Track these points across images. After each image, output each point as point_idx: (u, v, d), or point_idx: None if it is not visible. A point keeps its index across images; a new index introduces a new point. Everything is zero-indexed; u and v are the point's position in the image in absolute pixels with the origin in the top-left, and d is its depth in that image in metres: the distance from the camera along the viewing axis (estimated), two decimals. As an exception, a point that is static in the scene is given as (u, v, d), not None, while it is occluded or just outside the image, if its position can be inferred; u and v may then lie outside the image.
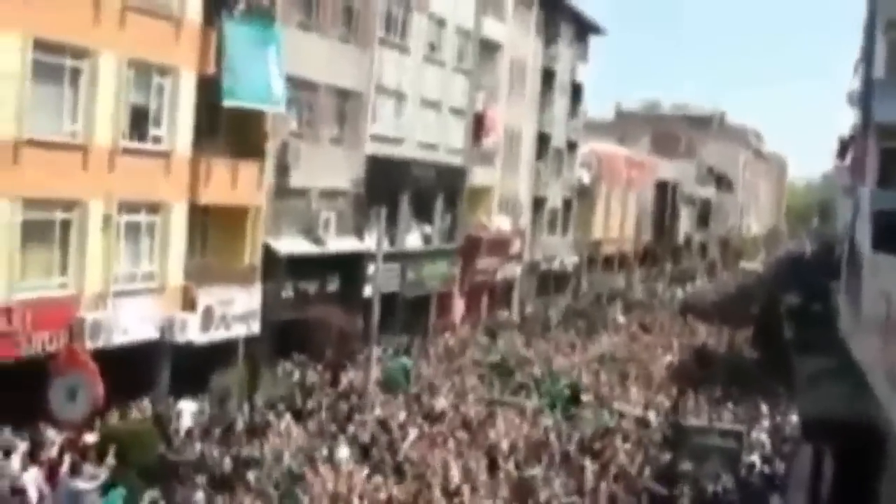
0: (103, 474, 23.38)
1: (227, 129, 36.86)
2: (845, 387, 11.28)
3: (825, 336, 31.69)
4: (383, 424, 32.33)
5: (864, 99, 43.41)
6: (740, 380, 43.91)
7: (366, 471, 27.47)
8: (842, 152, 61.97)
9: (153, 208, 33.38)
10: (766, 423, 37.65)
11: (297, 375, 37.96)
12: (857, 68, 52.66)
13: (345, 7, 43.81)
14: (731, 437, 31.05)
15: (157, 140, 33.23)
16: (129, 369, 29.99)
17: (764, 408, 39.65)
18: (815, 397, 16.24)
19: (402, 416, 33.87)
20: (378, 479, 26.71)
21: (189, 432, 30.42)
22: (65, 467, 24.66)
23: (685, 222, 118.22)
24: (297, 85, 40.29)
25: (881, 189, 34.81)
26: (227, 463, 27.49)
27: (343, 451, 29.24)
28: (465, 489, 25.96)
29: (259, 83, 36.58)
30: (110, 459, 24.45)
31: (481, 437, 31.45)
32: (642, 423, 35.64)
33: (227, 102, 35.31)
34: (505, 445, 30.63)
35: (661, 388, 42.49)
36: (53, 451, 25.69)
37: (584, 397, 38.87)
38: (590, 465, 29.07)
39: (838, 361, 13.68)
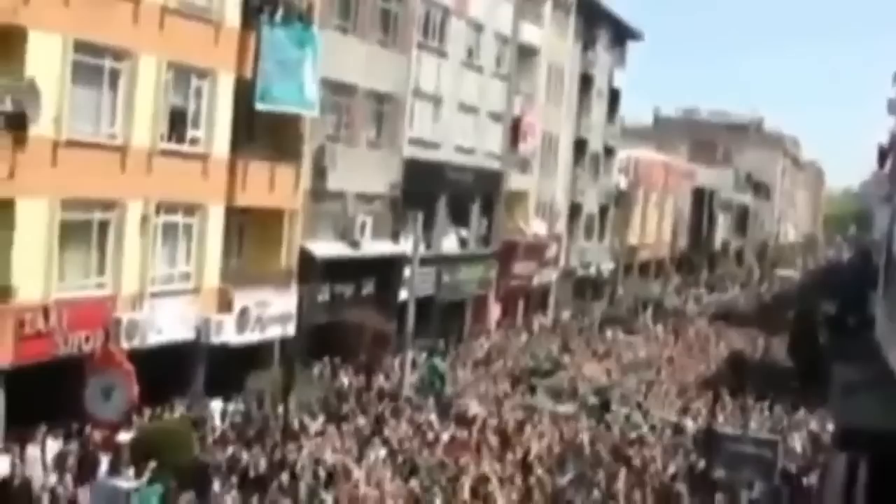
0: (136, 476, 23.50)
1: (264, 131, 36.94)
2: (881, 396, 11.20)
3: (861, 345, 31.51)
4: (417, 428, 32.37)
5: (903, 108, 43.21)
6: (775, 387, 43.78)
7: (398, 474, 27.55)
8: (881, 160, 61.60)
9: (190, 210, 33.50)
10: (802, 431, 37.52)
11: (331, 378, 38.02)
12: (896, 76, 52.34)
13: (383, 11, 43.89)
14: (766, 446, 30.87)
15: (194, 142, 33.37)
16: (164, 370, 30.09)
17: (800, 415, 39.52)
18: (850, 406, 16.14)
19: (435, 420, 33.93)
20: (412, 482, 26.80)
21: (224, 433, 30.53)
22: (103, 466, 24.84)
23: (722, 229, 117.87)
24: (335, 88, 40.41)
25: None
26: (262, 464, 27.56)
27: (377, 454, 29.28)
28: (497, 494, 25.98)
29: (295, 87, 36.66)
30: (151, 463, 24.54)
31: (514, 442, 31.44)
32: (677, 429, 35.60)
33: (261, 106, 35.39)
34: (538, 451, 30.64)
35: (695, 394, 42.40)
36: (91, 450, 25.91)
37: (615, 405, 38.82)
38: (623, 472, 29.06)
39: (874, 370, 13.60)
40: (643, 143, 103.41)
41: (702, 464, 30.80)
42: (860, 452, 15.11)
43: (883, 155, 59.56)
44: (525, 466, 29.12)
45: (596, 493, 27.69)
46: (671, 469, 30.68)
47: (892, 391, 10.88)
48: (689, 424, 36.28)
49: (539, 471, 28.90)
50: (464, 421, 34.25)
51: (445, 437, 31.90)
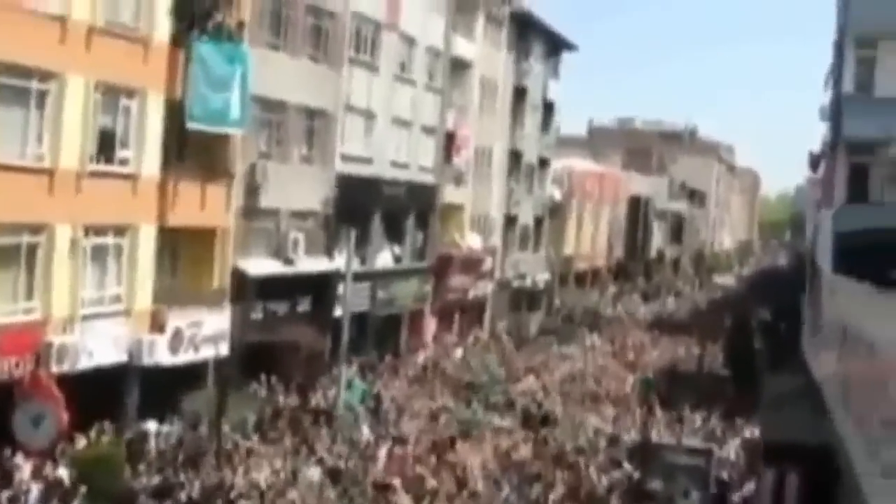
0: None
1: (195, 150, 36.73)
2: (806, 409, 11.28)
3: (791, 354, 31.84)
4: (352, 446, 32.33)
5: (834, 114, 43.58)
6: (711, 396, 44.03)
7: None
8: (813, 166, 62.15)
9: (120, 231, 33.23)
10: (737, 439, 37.73)
11: (266, 397, 37.85)
12: (827, 82, 52.86)
13: (314, 27, 43.77)
14: (700, 455, 31.10)
15: (124, 162, 33.09)
16: (96, 393, 29.86)
17: (735, 423, 39.76)
18: (775, 420, 16.28)
19: (371, 437, 33.92)
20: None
21: (158, 457, 30.30)
22: (34, 494, 24.63)
23: (658, 237, 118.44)
24: (266, 105, 40.35)
25: (848, 206, 34.98)
26: (196, 488, 27.39)
27: (312, 474, 29.20)
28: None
29: (225, 105, 36.55)
30: (82, 489, 24.34)
31: (451, 458, 31.45)
32: (611, 441, 35.75)
33: (191, 125, 35.23)
34: (475, 466, 30.66)
35: (630, 405, 42.59)
36: (25, 476, 25.65)
37: (551, 418, 38.96)
38: (559, 486, 29.18)
39: (800, 382, 13.70)
40: (579, 152, 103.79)
41: (637, 475, 31.00)
42: (785, 466, 15.23)
43: (815, 161, 60.15)
44: (460, 481, 29.12)
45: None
46: (606, 481, 30.80)
47: (815, 404, 10.95)
48: (625, 436, 36.39)
49: (476, 485, 28.95)
50: (400, 438, 34.24)
51: (382, 453, 31.87)
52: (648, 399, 42.35)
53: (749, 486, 31.51)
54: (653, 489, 29.76)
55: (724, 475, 32.15)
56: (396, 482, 28.33)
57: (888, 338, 6.53)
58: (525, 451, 33.12)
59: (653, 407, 40.99)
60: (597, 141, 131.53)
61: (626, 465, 32.20)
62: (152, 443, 31.54)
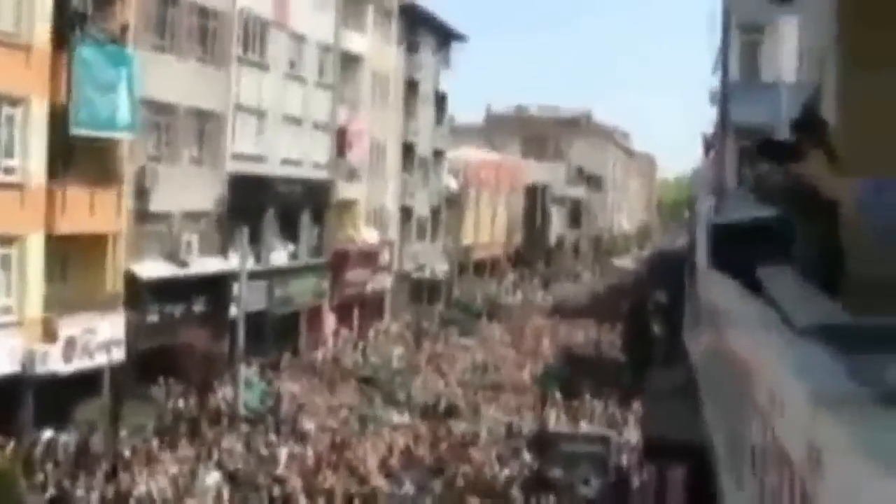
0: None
1: (82, 155, 36.33)
2: (687, 404, 11.42)
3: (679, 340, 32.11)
4: (252, 448, 32.25)
5: (722, 99, 44.07)
6: (609, 382, 44.34)
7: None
8: (707, 148, 62.82)
9: (8, 241, 32.86)
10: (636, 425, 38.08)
11: (163, 401, 37.61)
12: (715, 66, 53.43)
13: (200, 27, 43.51)
14: (599, 442, 31.43)
15: (9, 171, 32.73)
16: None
17: (634, 409, 40.13)
18: (654, 415, 16.50)
19: (271, 437, 33.86)
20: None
21: (55, 468, 29.99)
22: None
23: (557, 223, 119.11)
24: (154, 108, 40.08)
25: (720, 200, 35.40)
26: (94, 498, 27.20)
27: (211, 478, 29.10)
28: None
29: (112, 109, 36.22)
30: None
31: (349, 454, 31.51)
32: (510, 432, 35.98)
33: (76, 131, 34.85)
34: (375, 462, 30.76)
35: (531, 394, 42.84)
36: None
37: (452, 411, 39.13)
38: (460, 476, 29.35)
39: (682, 373, 13.89)
40: (476, 141, 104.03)
41: (537, 464, 31.25)
42: (666, 462, 15.43)
43: (708, 144, 60.83)
44: (361, 479, 29.19)
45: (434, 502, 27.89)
46: (506, 472, 30.97)
47: (693, 399, 11.12)
48: (524, 426, 36.63)
49: (376, 482, 29.04)
50: (300, 436, 34.24)
51: (283, 454, 31.84)
52: (548, 389, 42.61)
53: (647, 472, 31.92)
54: (553, 477, 30.01)
55: (625, 460, 32.48)
56: (296, 482, 28.34)
57: (735, 338, 6.73)
58: (425, 446, 33.21)
59: (551, 396, 41.23)
60: (494, 129, 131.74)
61: (526, 455, 32.42)
62: (48, 453, 31.19)
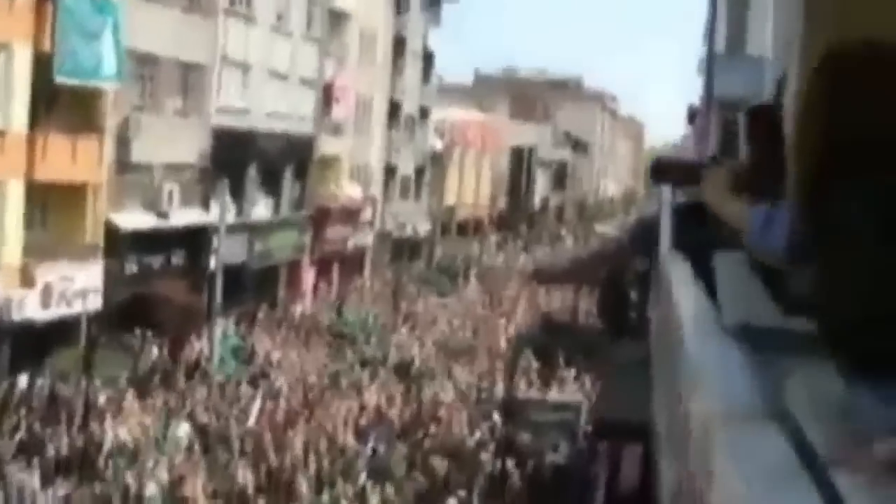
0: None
1: (65, 104, 36.37)
2: (639, 382, 11.45)
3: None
4: (224, 401, 32.41)
5: (707, 71, 44.08)
6: (583, 350, 44.40)
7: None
8: (690, 119, 62.79)
9: (-13, 187, 32.95)
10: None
11: (138, 352, 37.71)
12: (704, 37, 53.37)
13: (187, -24, 43.41)
14: (569, 409, 31.51)
15: (-9, 117, 32.76)
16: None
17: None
18: (606, 392, 16.62)
19: (243, 391, 34.03)
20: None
21: (27, 413, 30.12)
22: None
23: (542, 186, 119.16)
24: (139, 58, 40.01)
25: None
26: (65, 444, 27.35)
27: (182, 430, 29.26)
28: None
29: (96, 58, 36.16)
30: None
31: (320, 411, 31.67)
32: (480, 396, 36.15)
33: (60, 79, 34.82)
34: (345, 420, 30.93)
35: (505, 357, 42.94)
36: None
37: (424, 371, 39.32)
38: (429, 438, 29.55)
39: (643, 348, 13.91)
40: (465, 101, 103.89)
41: (506, 429, 31.39)
42: (620, 441, 15.47)
43: (692, 114, 60.80)
44: (330, 436, 29.35)
45: (400, 461, 28.06)
46: (477, 435, 31.13)
47: (646, 378, 11.17)
48: (496, 390, 36.76)
49: (345, 439, 29.23)
50: (272, 391, 34.37)
51: (255, 408, 31.97)
52: (520, 354, 42.63)
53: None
54: (522, 442, 30.14)
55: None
56: (267, 437, 28.50)
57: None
58: (396, 406, 33.38)
59: (524, 362, 41.26)
60: (482, 90, 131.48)
61: (497, 419, 32.56)
62: (23, 400, 31.34)
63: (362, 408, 32.66)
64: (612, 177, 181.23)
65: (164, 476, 25.21)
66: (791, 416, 3.40)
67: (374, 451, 28.52)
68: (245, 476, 25.63)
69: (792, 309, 4.40)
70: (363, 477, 26.27)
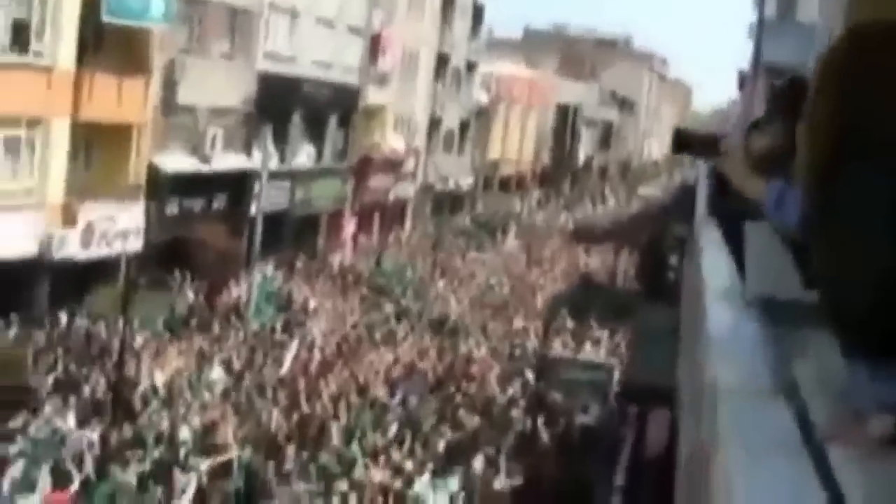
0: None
1: (113, 43, 36.41)
2: (667, 349, 11.44)
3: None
4: (257, 349, 32.56)
5: (757, 36, 43.73)
6: (621, 310, 44.34)
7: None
8: (741, 85, 62.36)
9: (33, 123, 33.09)
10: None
11: (177, 294, 37.94)
12: (755, 2, 52.91)
13: (239, -78, 43.38)
14: (601, 370, 31.47)
15: (38, 54, 32.88)
16: (6, 285, 29.99)
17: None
18: (636, 357, 16.62)
19: (280, 338, 34.19)
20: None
21: (65, 352, 30.32)
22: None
23: (586, 144, 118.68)
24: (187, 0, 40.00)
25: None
26: (102, 384, 27.55)
27: (216, 374, 29.44)
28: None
29: (145, -1, 36.22)
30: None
31: (354, 363, 31.77)
32: (512, 353, 36.19)
33: (107, 18, 34.88)
34: (379, 371, 31.04)
35: (539, 317, 42.95)
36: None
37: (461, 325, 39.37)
38: (459, 393, 29.61)
39: (675, 313, 13.87)
40: (513, 57, 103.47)
41: (538, 386, 31.38)
42: (648, 406, 15.48)
43: (743, 80, 60.40)
44: (362, 387, 29.45)
45: (431, 416, 28.11)
46: (509, 392, 31.16)
47: (676, 343, 11.16)
48: (530, 348, 36.78)
49: (378, 391, 29.32)
50: (307, 340, 34.49)
51: (289, 356, 32.10)
52: (556, 313, 42.59)
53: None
54: (552, 401, 30.14)
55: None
56: (300, 385, 28.63)
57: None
58: (430, 360, 33.45)
59: (560, 321, 41.21)
60: (531, 46, 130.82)
61: (529, 376, 32.57)
62: (61, 338, 31.58)
63: (396, 360, 32.74)
64: (657, 139, 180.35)
65: (196, 420, 25.36)
66: (798, 391, 3.42)
67: (405, 403, 28.58)
68: (276, 423, 25.78)
69: (813, 282, 4.39)
70: (394, 428, 26.34)
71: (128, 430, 24.42)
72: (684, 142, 5.90)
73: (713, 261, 7.10)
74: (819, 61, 2.94)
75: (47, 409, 25.13)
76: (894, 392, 2.62)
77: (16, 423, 23.72)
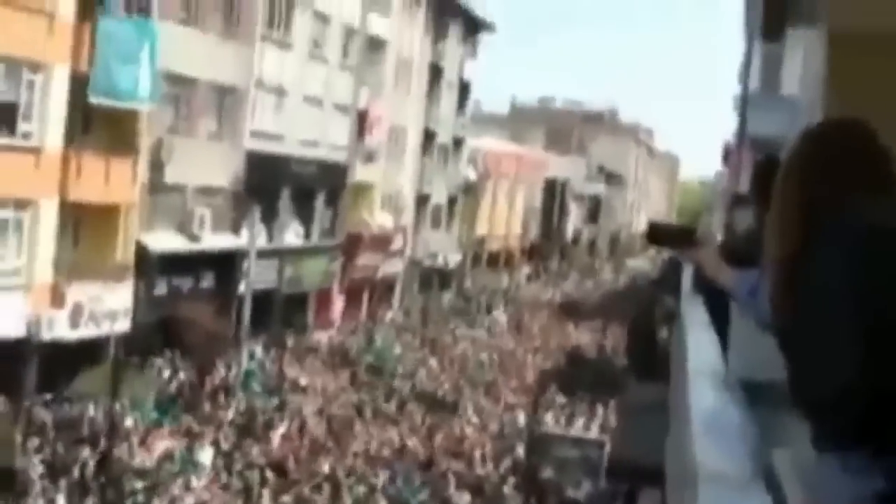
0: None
1: (100, 124, 36.52)
2: (656, 425, 11.34)
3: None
4: (247, 428, 32.45)
5: (741, 108, 44.02)
6: (610, 386, 44.35)
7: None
8: (725, 158, 62.63)
9: (21, 205, 33.12)
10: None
11: (170, 375, 37.82)
12: (740, 74, 53.28)
13: (226, 1, 43.61)
14: (592, 446, 31.44)
15: (26, 136, 32.97)
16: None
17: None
18: (620, 434, 16.54)
19: (268, 417, 34.07)
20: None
21: (55, 434, 30.19)
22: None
23: (575, 219, 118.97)
24: (175, 80, 40.18)
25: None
26: (90, 466, 27.42)
27: (205, 455, 29.33)
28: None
29: (132, 79, 36.32)
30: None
31: (343, 441, 31.70)
32: (502, 430, 36.13)
33: (94, 99, 35.02)
34: (369, 450, 30.97)
35: (533, 392, 42.94)
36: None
37: (451, 404, 39.29)
38: (451, 475, 29.51)
39: (663, 388, 13.78)
40: (500, 131, 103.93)
41: (530, 464, 31.34)
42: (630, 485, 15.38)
43: (728, 152, 60.70)
44: (351, 467, 29.36)
45: (424, 495, 28.03)
46: (500, 469, 31.10)
47: (665, 421, 11.09)
48: (521, 424, 36.74)
49: (369, 470, 29.23)
50: (297, 418, 34.40)
51: (278, 435, 32.02)
52: (546, 389, 42.62)
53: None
54: (545, 478, 30.09)
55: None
56: (290, 465, 28.55)
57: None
58: (420, 438, 33.38)
59: (549, 396, 41.21)
60: (518, 120, 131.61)
61: (520, 452, 32.54)
62: (49, 419, 31.45)
63: (386, 439, 32.67)
64: (646, 211, 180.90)
65: (187, 501, 25.26)
66: (776, 479, 3.43)
67: (395, 482, 28.50)
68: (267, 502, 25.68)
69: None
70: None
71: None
72: (657, 234, 5.93)
73: (697, 340, 7.12)
74: (782, 162, 3.01)
75: (36, 490, 25.01)
76: (867, 484, 2.62)
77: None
